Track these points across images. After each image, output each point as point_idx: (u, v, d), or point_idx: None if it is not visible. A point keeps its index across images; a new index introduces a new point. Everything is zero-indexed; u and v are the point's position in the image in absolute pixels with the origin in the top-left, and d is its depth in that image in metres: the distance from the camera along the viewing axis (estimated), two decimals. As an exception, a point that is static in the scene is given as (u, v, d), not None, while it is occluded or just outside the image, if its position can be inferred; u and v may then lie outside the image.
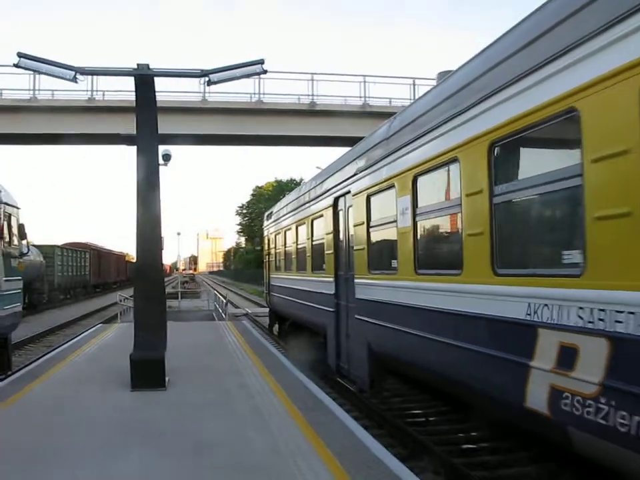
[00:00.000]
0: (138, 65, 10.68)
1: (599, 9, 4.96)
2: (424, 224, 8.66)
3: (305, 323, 16.47)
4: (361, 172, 11.05)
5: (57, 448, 7.02)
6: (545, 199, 6.01)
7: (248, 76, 11.79)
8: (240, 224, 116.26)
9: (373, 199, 10.52)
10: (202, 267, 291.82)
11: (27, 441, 7.30)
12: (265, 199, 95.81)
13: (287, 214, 19.38)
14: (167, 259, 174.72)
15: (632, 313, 4.51)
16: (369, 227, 10.64)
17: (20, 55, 10.28)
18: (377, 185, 10.18)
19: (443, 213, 8.03)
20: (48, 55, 10.75)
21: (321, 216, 14.17)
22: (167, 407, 9.01)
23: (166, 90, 32.03)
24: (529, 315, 5.74)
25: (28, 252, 15.66)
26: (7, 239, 12.90)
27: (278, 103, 36.07)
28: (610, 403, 4.73)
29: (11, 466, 6.42)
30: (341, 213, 12.59)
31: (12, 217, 13.39)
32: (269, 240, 24.23)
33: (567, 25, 5.35)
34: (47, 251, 43.31)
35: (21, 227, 13.91)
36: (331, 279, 12.90)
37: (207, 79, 11.05)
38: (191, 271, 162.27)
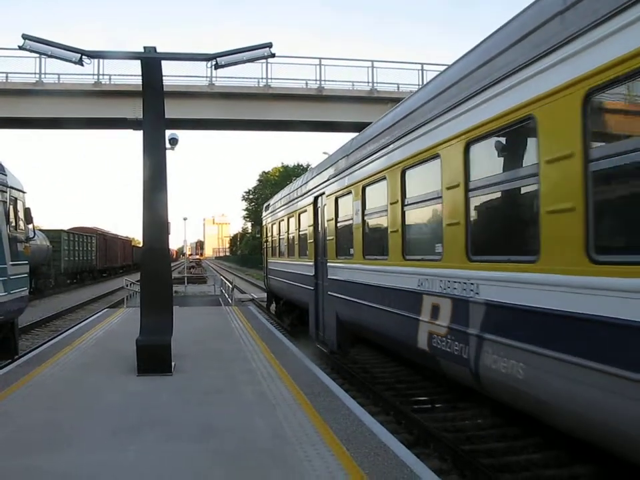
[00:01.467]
0: (145, 48, 10.59)
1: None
2: (369, 222, 11.42)
3: (294, 300, 19.34)
4: (331, 179, 13.85)
5: (67, 432, 7.03)
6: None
7: (255, 59, 11.68)
8: (246, 209, 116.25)
9: (339, 200, 13.27)
10: (208, 252, 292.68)
11: (36, 425, 7.32)
12: (271, 184, 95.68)
13: (280, 207, 22.32)
14: (174, 244, 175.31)
15: (457, 282, 7.51)
16: (336, 221, 13.41)
17: (25, 37, 10.20)
18: (341, 190, 12.98)
19: (380, 215, 10.66)
20: (54, 38, 10.68)
21: (305, 211, 17.01)
22: (174, 392, 9.00)
23: (173, 74, 31.99)
24: (419, 286, 8.66)
25: (34, 236, 15.63)
26: (13, 223, 12.86)
27: (285, 88, 35.84)
28: (452, 338, 7.62)
29: (27, 448, 6.45)
30: (319, 210, 15.19)
31: (18, 201, 13.35)
32: (266, 229, 27.35)
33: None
34: (53, 235, 43.37)
35: (27, 211, 13.86)
36: (312, 263, 15.63)
37: (213, 62, 10.96)
38: (198, 256, 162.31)
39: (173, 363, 10.44)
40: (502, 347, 6.44)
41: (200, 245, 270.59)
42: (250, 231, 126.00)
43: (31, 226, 14.49)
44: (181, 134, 26.81)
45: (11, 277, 12.38)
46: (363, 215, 11.44)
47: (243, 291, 41.62)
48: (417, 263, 8.89)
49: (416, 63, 36.67)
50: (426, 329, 8.33)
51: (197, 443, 6.59)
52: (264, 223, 28.35)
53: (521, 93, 6.15)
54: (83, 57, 10.51)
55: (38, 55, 21.51)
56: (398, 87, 36.09)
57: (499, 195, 7.12)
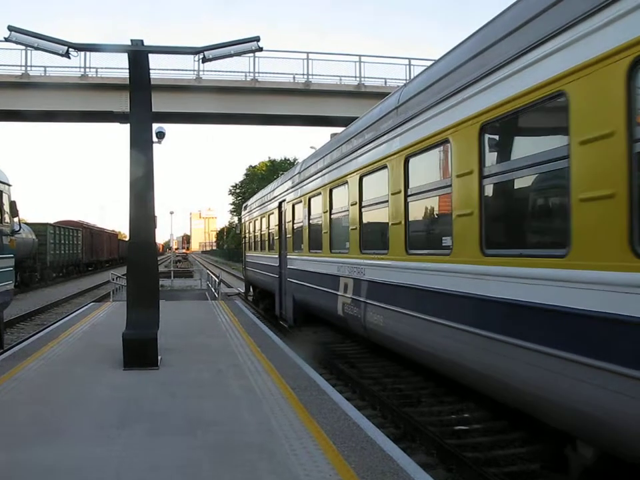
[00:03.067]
0: (132, 40, 10.55)
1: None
2: (311, 223, 14.83)
3: (265, 287, 22.65)
4: (289, 189, 17.68)
5: (53, 426, 7.03)
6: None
7: (243, 53, 11.66)
8: (233, 203, 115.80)
9: (295, 206, 16.84)
10: (195, 246, 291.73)
11: (22, 419, 7.31)
12: (258, 179, 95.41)
13: (255, 208, 26.21)
14: (160, 237, 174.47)
15: (355, 267, 10.88)
16: (293, 223, 16.98)
17: (11, 29, 10.12)
18: (295, 199, 16.73)
19: (318, 219, 13.99)
20: (40, 30, 10.61)
21: (273, 213, 20.63)
22: (160, 386, 8.99)
23: (160, 68, 31.83)
24: (337, 271, 12.07)
25: (20, 230, 15.53)
26: (-1, 216, 12.79)
27: (273, 82, 35.71)
28: (353, 304, 11.01)
29: (13, 442, 6.44)
30: (282, 213, 18.72)
31: (3, 194, 13.27)
32: (244, 227, 31.41)
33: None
34: (39, 229, 43.09)
35: (12, 205, 13.77)
36: (277, 256, 19.16)
37: (201, 55, 10.94)
38: (184, 251, 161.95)
39: (159, 357, 10.44)
40: (374, 308, 9.89)
41: (186, 239, 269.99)
42: (236, 225, 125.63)
43: (16, 219, 14.40)
44: (168, 128, 26.66)
45: (-4, 271, 12.31)
46: (309, 218, 14.96)
47: (229, 285, 41.54)
48: (337, 255, 12.36)
49: (403, 58, 36.65)
50: (341, 301, 11.81)
51: (184, 437, 6.60)
52: (242, 221, 32.80)
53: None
54: (70, 49, 10.45)
55: (24, 47, 21.31)
56: (385, 82, 36.09)
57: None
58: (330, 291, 12.45)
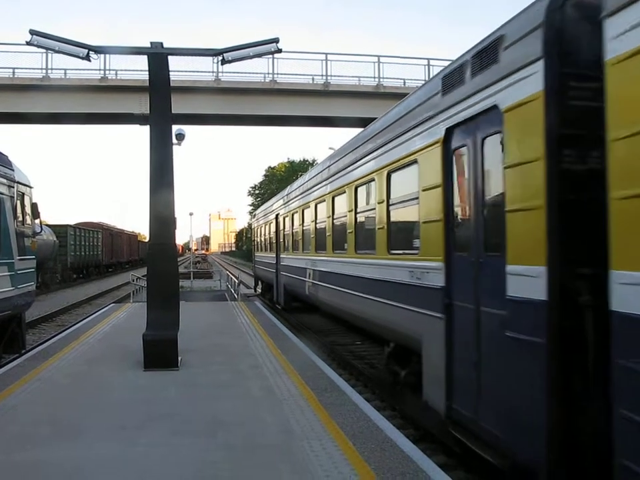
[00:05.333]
0: (151, 43, 10.61)
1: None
2: (293, 232, 20.00)
3: (267, 281, 28.46)
4: (281, 206, 23.33)
5: (75, 427, 7.09)
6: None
7: (262, 55, 11.70)
8: (252, 204, 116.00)
9: (285, 219, 21.93)
10: (214, 247, 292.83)
11: (44, 419, 7.37)
12: (277, 180, 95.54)
13: (260, 217, 32.20)
14: (180, 239, 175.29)
15: (316, 261, 15.64)
16: (284, 231, 22.23)
17: (32, 33, 10.22)
18: (285, 213, 21.88)
19: (296, 229, 19.13)
20: (60, 34, 10.71)
21: (272, 222, 25.85)
22: (180, 386, 9.04)
23: (179, 70, 31.94)
24: (305, 265, 17.03)
25: (41, 231, 15.67)
26: (20, 218, 12.88)
27: (292, 83, 35.66)
28: (312, 286, 15.93)
29: (36, 441, 6.50)
30: (278, 223, 23.76)
31: (25, 196, 13.37)
32: (253, 231, 40.43)
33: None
34: (59, 230, 43.37)
35: (33, 206, 13.89)
36: (274, 256, 24.31)
37: (220, 57, 10.97)
38: (203, 252, 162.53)
39: (179, 358, 10.48)
40: (321, 287, 14.68)
41: (206, 240, 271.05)
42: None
43: (37, 221, 14.53)
44: (187, 129, 26.76)
45: (18, 272, 12.41)
46: (292, 228, 20.18)
47: (248, 286, 41.60)
48: (305, 254, 17.47)
49: (422, 58, 36.45)
50: (307, 285, 16.65)
51: (204, 437, 6.62)
52: (252, 226, 41.30)
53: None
54: (90, 52, 10.53)
55: (45, 51, 21.50)
56: (404, 82, 35.95)
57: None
58: (302, 278, 17.46)
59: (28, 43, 10.32)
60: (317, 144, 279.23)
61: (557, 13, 5.20)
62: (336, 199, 13.50)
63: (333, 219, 13.74)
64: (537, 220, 5.18)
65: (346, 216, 12.35)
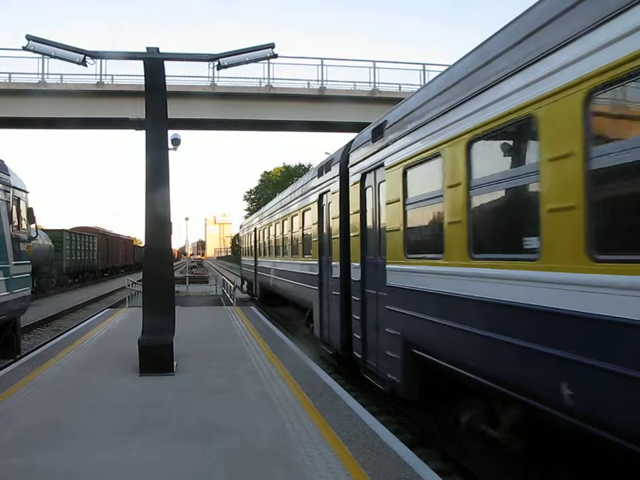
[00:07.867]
0: (147, 48, 10.62)
1: None
2: (267, 241, 25.78)
3: (248, 279, 36.02)
4: (258, 222, 29.38)
5: (70, 432, 7.07)
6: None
7: (258, 60, 11.72)
8: (248, 209, 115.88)
9: (260, 232, 28.29)
10: (210, 252, 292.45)
11: (39, 424, 7.35)
12: (273, 184, 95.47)
13: (245, 229, 40.44)
14: (175, 243, 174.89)
15: (277, 263, 22.50)
16: (262, 239, 27.40)
17: (29, 38, 10.23)
18: (260, 227, 28.35)
19: (269, 239, 24.93)
20: (56, 39, 10.71)
21: (252, 233, 32.28)
22: (176, 391, 9.02)
23: (175, 75, 31.95)
24: (271, 265, 23.81)
25: (36, 236, 15.65)
26: (16, 223, 12.86)
27: (287, 88, 35.71)
28: (274, 280, 23.25)
29: (30, 446, 6.49)
30: (258, 233, 29.25)
31: (21, 201, 13.35)
32: (239, 239, 53.49)
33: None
34: (55, 235, 43.36)
35: (29, 211, 13.88)
36: (253, 259, 30.39)
37: (216, 62, 10.99)
38: (199, 256, 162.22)
39: (175, 363, 10.47)
40: (280, 280, 21.23)
41: (201, 245, 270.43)
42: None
43: (33, 226, 14.50)
44: (182, 134, 26.78)
45: (14, 277, 12.38)
46: (269, 237, 24.87)
47: (244, 290, 41.61)
48: (270, 258, 23.92)
49: (418, 63, 36.55)
50: (271, 279, 23.49)
51: (199, 443, 6.61)
52: (240, 235, 50.89)
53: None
54: (86, 57, 10.54)
55: (41, 56, 21.50)
56: (400, 87, 36.03)
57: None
58: (268, 275, 24.34)
59: (24, 48, 10.33)
60: (312, 149, 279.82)
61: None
62: (280, 222, 21.47)
63: (281, 234, 21.08)
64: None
65: (286, 233, 19.80)
